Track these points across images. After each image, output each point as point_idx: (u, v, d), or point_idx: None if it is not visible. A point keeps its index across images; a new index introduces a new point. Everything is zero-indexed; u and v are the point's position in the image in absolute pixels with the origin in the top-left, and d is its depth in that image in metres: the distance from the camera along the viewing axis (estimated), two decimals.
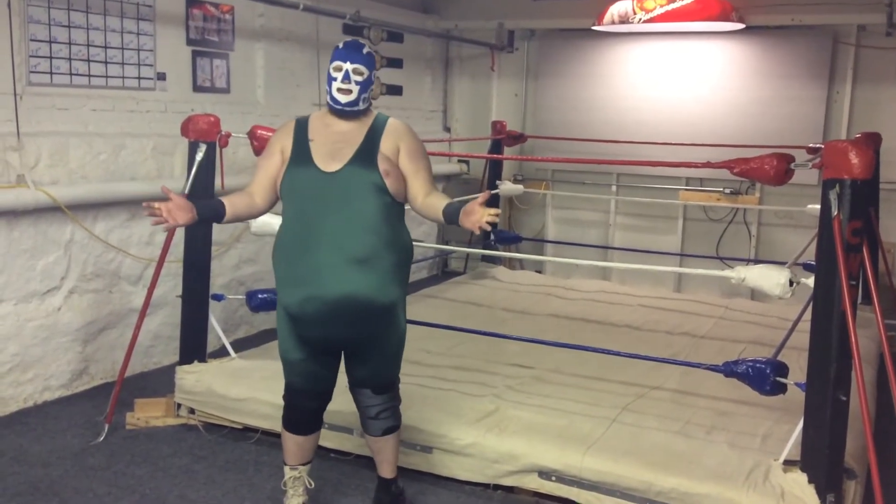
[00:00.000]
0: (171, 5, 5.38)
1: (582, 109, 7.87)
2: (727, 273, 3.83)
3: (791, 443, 3.45)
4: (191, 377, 4.39)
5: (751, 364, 3.61)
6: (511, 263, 7.74)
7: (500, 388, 4.36)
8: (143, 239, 5.19)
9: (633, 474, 3.46)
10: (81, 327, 4.88)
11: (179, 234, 4.46)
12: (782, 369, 3.57)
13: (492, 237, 7.28)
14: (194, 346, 4.52)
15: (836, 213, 3.15)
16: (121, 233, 5.06)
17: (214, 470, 3.92)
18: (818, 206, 3.29)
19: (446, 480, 3.81)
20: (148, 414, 4.43)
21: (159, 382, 4.92)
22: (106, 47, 4.96)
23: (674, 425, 3.95)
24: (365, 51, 3.17)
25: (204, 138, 4.35)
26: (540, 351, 4.75)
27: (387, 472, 3.44)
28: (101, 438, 4.20)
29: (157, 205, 2.96)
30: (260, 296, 4.63)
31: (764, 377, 3.55)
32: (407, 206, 3.26)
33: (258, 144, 4.34)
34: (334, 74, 3.13)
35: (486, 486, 3.78)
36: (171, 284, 5.10)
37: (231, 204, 3.17)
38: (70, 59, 4.77)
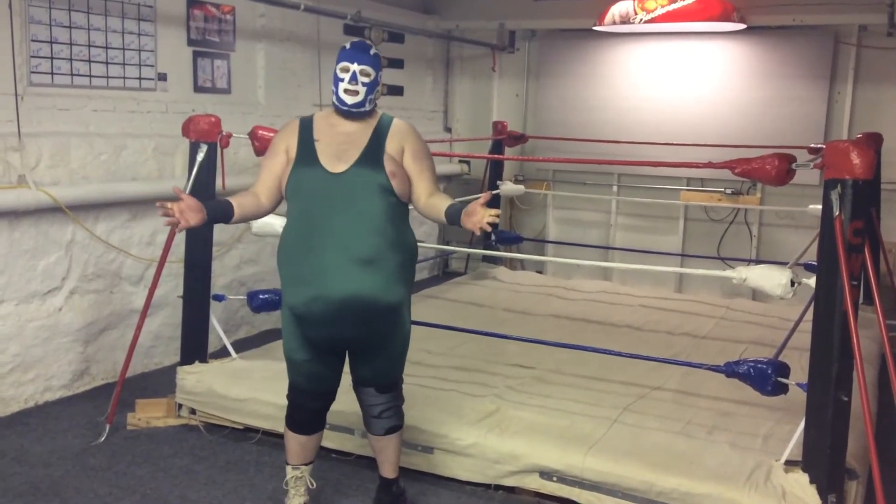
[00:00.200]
0: (171, 6, 5.39)
1: (583, 110, 7.87)
2: (728, 273, 3.82)
3: (792, 443, 3.45)
4: (192, 377, 4.39)
5: (752, 364, 3.61)
6: (512, 264, 7.74)
7: (501, 388, 4.36)
8: (144, 239, 5.19)
9: (634, 474, 3.46)
10: (82, 328, 4.88)
11: (180, 235, 4.43)
12: (784, 369, 3.56)
13: (493, 237, 7.28)
14: (195, 346, 4.53)
15: (837, 213, 3.15)
16: (122, 233, 5.06)
17: (215, 470, 3.92)
18: (819, 207, 3.29)
19: (447, 481, 3.81)
20: (149, 414, 4.43)
21: (160, 383, 4.92)
22: (107, 48, 4.97)
23: (675, 426, 3.95)
24: (372, 52, 3.17)
25: (205, 139, 4.35)
26: (541, 351, 4.75)
27: (388, 471, 3.44)
28: (102, 439, 4.21)
29: (170, 205, 2.94)
30: (261, 296, 4.63)
31: (765, 377, 3.54)
32: (410, 207, 3.26)
33: (259, 145, 4.34)
34: (341, 75, 3.13)
35: (488, 486, 3.78)
36: (172, 285, 5.10)
37: (239, 204, 3.16)
38: (71, 59, 4.77)
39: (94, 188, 4.82)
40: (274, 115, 6.08)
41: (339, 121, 3.19)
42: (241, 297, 4.93)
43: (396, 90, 7.72)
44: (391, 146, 3.14)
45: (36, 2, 4.54)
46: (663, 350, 5.09)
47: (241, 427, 4.28)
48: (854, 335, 3.14)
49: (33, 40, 4.56)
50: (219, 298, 4.79)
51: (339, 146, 3.13)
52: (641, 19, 6.76)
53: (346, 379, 3.32)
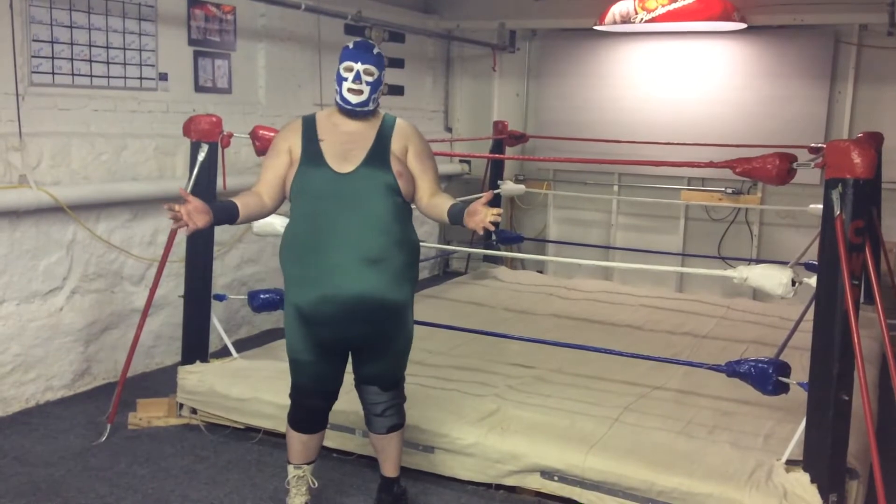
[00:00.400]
0: (172, 5, 5.39)
1: (583, 109, 7.87)
2: (729, 273, 3.82)
3: (793, 443, 3.45)
4: (193, 377, 4.39)
5: (753, 364, 3.61)
6: (513, 263, 7.75)
7: (501, 387, 4.36)
8: (145, 239, 5.19)
9: (635, 474, 3.46)
10: (83, 327, 4.88)
11: (181, 234, 4.44)
12: (785, 369, 3.56)
13: (494, 237, 7.28)
14: (196, 346, 4.53)
15: (838, 212, 3.15)
16: (123, 233, 5.07)
17: (216, 470, 3.92)
18: (820, 206, 3.28)
19: (448, 480, 3.81)
20: (150, 414, 4.43)
21: (161, 382, 4.92)
22: (108, 47, 4.97)
23: (676, 425, 3.95)
24: (375, 51, 3.17)
25: (206, 138, 4.35)
26: (542, 351, 4.76)
27: (390, 470, 3.44)
28: (104, 438, 4.21)
29: (178, 207, 2.92)
30: (262, 296, 4.62)
31: (766, 377, 3.54)
32: (413, 206, 3.26)
33: (260, 145, 4.34)
34: (345, 75, 3.13)
35: (489, 486, 3.78)
36: (173, 284, 5.10)
37: (244, 205, 3.14)
38: (72, 59, 4.78)
39: (95, 188, 4.82)
40: (274, 115, 6.08)
41: (342, 120, 3.19)
42: (242, 296, 4.93)
43: (397, 90, 7.72)
44: (396, 146, 3.15)
45: (37, 2, 4.54)
46: (664, 350, 5.09)
47: (242, 427, 4.28)
48: (855, 334, 3.13)
49: (34, 40, 4.56)
50: (220, 298, 4.79)
51: (344, 146, 3.13)
52: (642, 19, 6.77)
53: (347, 378, 3.32)
